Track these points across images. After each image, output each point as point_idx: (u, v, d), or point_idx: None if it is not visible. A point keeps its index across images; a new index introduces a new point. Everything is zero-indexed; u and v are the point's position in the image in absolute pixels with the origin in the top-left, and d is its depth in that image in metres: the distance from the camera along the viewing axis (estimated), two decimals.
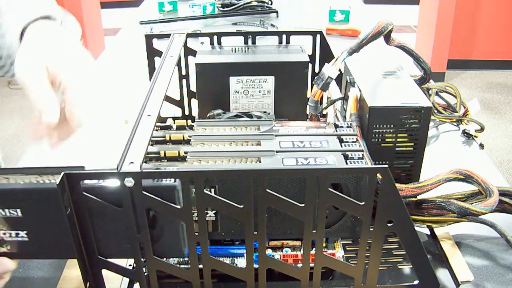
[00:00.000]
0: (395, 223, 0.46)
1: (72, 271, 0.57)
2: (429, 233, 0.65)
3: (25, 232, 0.46)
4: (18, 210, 0.44)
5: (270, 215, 0.51)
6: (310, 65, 0.78)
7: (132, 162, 0.45)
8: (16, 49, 0.55)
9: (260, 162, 0.53)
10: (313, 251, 0.48)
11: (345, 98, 0.74)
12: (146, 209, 0.45)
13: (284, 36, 0.83)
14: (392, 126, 0.63)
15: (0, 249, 0.47)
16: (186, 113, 0.82)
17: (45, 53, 0.53)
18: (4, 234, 0.46)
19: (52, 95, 0.52)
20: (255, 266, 0.48)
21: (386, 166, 0.43)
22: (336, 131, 0.60)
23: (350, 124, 0.61)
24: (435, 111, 0.91)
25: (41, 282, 0.57)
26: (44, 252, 0.48)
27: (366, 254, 0.48)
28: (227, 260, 0.54)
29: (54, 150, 0.56)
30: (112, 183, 0.45)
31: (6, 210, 0.44)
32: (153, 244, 0.47)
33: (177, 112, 0.83)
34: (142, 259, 0.48)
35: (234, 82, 0.76)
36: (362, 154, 0.54)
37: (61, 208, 0.44)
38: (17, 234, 0.46)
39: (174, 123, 0.60)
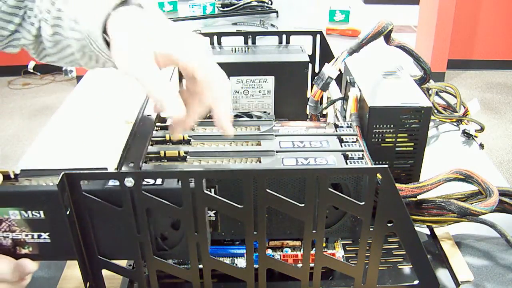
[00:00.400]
0: (395, 223, 0.46)
1: (72, 271, 0.57)
2: (429, 233, 0.65)
3: (47, 233, 0.46)
4: (41, 212, 0.44)
5: (270, 215, 0.51)
6: (310, 65, 0.78)
7: (132, 162, 0.45)
8: (98, 39, 0.50)
9: (260, 162, 0.53)
10: (313, 251, 0.48)
11: (345, 98, 0.74)
12: (146, 208, 0.45)
13: (284, 36, 0.83)
14: (392, 126, 0.63)
15: (22, 250, 0.47)
16: None
17: (148, 38, 0.46)
18: (27, 235, 0.46)
19: (170, 85, 0.46)
20: (255, 266, 0.48)
21: (386, 166, 0.43)
22: (336, 131, 0.60)
23: (350, 124, 0.61)
24: (435, 111, 0.91)
25: (41, 282, 0.57)
26: (66, 253, 0.48)
27: (366, 254, 0.48)
28: (227, 260, 0.54)
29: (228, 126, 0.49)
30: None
31: (29, 212, 0.44)
32: (175, 245, 0.47)
33: None
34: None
35: (234, 82, 0.76)
36: (362, 154, 0.54)
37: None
38: (39, 236, 0.46)
39: None
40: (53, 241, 0.46)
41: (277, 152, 0.54)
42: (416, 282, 0.52)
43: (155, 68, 0.45)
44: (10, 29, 0.56)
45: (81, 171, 0.44)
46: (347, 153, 0.54)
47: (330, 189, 0.44)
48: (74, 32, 0.53)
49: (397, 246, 0.61)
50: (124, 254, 0.49)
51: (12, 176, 0.46)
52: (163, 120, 0.79)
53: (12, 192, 0.44)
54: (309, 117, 0.75)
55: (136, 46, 0.46)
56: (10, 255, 0.46)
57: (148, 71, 0.45)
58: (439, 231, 0.64)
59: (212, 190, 0.49)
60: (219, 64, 0.48)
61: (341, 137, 0.57)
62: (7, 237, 0.46)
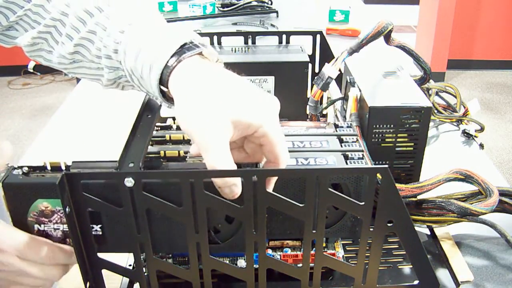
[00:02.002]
0: (395, 223, 0.46)
1: (72, 271, 0.57)
2: (429, 233, 0.65)
3: (99, 226, 0.46)
4: None
5: (270, 215, 0.51)
6: (310, 65, 0.78)
7: (132, 162, 0.45)
8: (154, 87, 0.47)
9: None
10: (313, 251, 0.48)
11: (345, 98, 0.74)
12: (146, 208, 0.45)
13: (284, 36, 0.83)
14: (392, 126, 0.63)
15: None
16: None
17: (225, 105, 0.43)
18: None
19: (233, 163, 0.43)
20: (255, 266, 0.48)
21: (386, 166, 0.43)
22: (336, 131, 0.60)
23: (350, 124, 0.61)
24: (435, 111, 0.91)
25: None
26: (117, 246, 0.48)
27: (366, 254, 0.48)
28: (227, 260, 0.54)
29: None
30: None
31: None
32: (228, 239, 0.47)
33: None
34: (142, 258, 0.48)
35: None
36: (362, 154, 0.54)
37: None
38: (91, 228, 0.46)
39: (174, 123, 0.60)
40: (105, 233, 0.46)
41: None
42: (416, 282, 0.52)
43: (227, 146, 0.42)
44: (3, 24, 0.55)
45: (81, 172, 0.44)
46: (347, 153, 0.54)
47: (330, 189, 0.44)
48: (110, 60, 0.52)
49: (397, 246, 0.61)
50: (125, 250, 0.49)
51: (64, 168, 0.47)
52: (163, 120, 0.79)
53: None
54: (309, 117, 0.75)
55: (213, 119, 0.42)
56: None
57: (220, 149, 0.42)
58: (439, 231, 0.64)
59: None
60: None
61: (341, 137, 0.57)
62: (58, 228, 0.46)
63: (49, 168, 0.47)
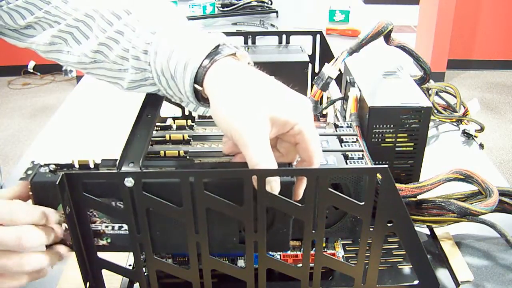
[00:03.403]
0: (395, 223, 0.46)
1: (72, 271, 0.57)
2: (429, 233, 0.65)
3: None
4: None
5: None
6: (310, 65, 0.78)
7: (132, 162, 0.45)
8: (187, 86, 0.48)
9: None
10: (313, 251, 0.48)
11: (345, 98, 0.74)
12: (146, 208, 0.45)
13: (284, 36, 0.83)
14: (392, 126, 0.63)
15: (100, 242, 0.47)
16: (186, 113, 0.82)
17: (263, 102, 0.44)
18: (107, 227, 0.46)
19: (273, 158, 0.43)
20: (255, 266, 0.48)
21: (386, 166, 0.43)
22: (336, 131, 0.60)
23: (350, 124, 0.61)
24: (435, 111, 0.91)
25: (41, 282, 0.57)
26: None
27: (366, 254, 0.48)
28: (227, 260, 0.54)
29: None
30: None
31: (113, 203, 0.45)
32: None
33: (177, 112, 0.83)
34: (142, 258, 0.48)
35: None
36: (362, 154, 0.54)
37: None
38: (120, 227, 0.46)
39: (174, 123, 0.59)
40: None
41: None
42: (416, 282, 0.52)
43: (268, 140, 0.43)
44: (20, 24, 0.55)
45: (82, 171, 0.44)
46: (347, 153, 0.54)
47: (330, 189, 0.44)
48: (137, 61, 0.52)
49: (397, 246, 0.61)
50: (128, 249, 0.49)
51: (92, 166, 0.47)
52: (163, 120, 0.79)
53: None
54: None
55: (253, 114, 0.43)
56: None
57: (261, 144, 0.42)
58: (439, 231, 0.64)
59: None
60: None
61: (341, 137, 0.57)
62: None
63: (77, 166, 0.47)
